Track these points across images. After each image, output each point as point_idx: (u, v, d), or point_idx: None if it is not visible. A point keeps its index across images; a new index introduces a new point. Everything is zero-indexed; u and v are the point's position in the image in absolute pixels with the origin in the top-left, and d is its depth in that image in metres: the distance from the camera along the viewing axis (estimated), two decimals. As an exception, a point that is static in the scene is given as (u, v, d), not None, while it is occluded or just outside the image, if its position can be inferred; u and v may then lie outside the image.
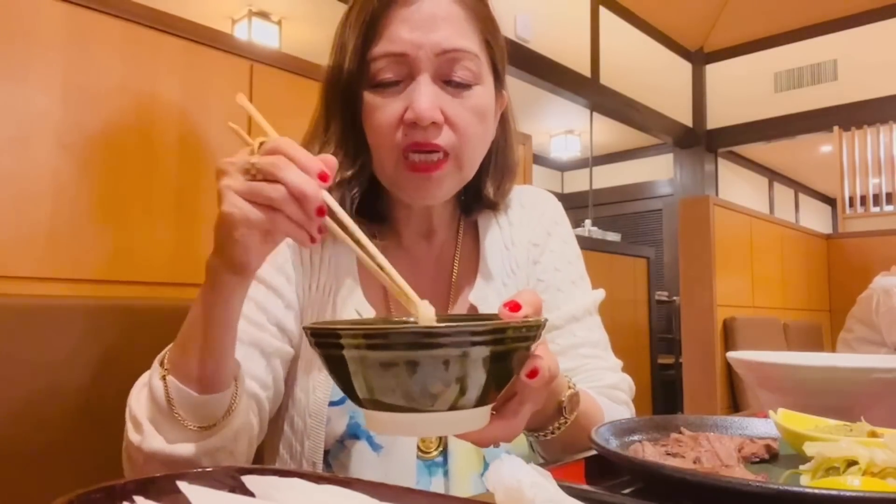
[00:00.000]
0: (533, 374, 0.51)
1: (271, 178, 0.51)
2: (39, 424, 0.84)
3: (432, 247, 0.85)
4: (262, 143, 0.54)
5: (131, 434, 0.62)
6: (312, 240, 0.53)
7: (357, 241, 0.53)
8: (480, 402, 0.47)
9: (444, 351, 0.43)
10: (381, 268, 0.53)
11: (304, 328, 0.49)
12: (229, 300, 0.58)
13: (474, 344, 0.43)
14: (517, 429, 0.54)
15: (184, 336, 0.61)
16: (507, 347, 0.45)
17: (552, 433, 0.66)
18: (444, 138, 0.72)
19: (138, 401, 0.63)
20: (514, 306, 0.50)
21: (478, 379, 0.45)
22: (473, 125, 0.74)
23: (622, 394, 0.84)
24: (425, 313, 0.51)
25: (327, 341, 0.46)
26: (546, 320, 0.51)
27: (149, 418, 0.61)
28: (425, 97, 0.70)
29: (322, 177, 0.52)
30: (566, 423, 0.66)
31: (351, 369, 0.45)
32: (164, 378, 0.60)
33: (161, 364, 0.62)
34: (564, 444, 0.70)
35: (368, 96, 0.73)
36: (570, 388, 0.66)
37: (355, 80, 0.74)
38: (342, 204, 0.74)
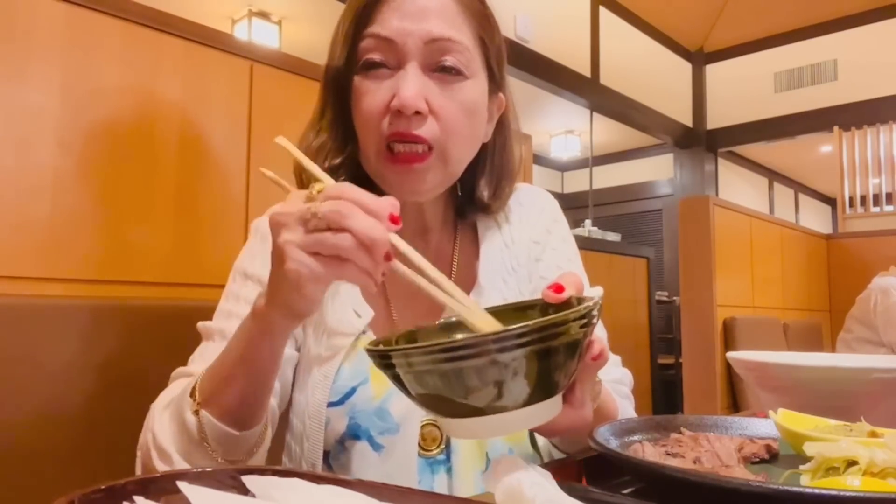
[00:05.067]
0: (598, 356, 0.52)
1: (336, 227, 0.48)
2: (39, 424, 0.84)
3: (428, 246, 0.84)
4: (319, 191, 0.51)
5: (157, 463, 0.61)
6: (376, 284, 0.51)
7: (424, 274, 0.52)
8: (553, 391, 0.47)
9: (512, 353, 0.43)
10: (450, 294, 0.52)
11: (366, 350, 0.48)
12: (278, 340, 0.58)
13: (535, 342, 0.43)
14: (589, 415, 0.56)
15: (223, 372, 0.60)
16: (572, 337, 0.45)
17: None
18: (428, 130, 0.71)
19: (162, 427, 0.62)
20: (558, 288, 0.51)
21: (549, 372, 0.45)
22: (459, 119, 0.73)
23: (624, 388, 0.85)
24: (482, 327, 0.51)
25: (387, 362, 0.45)
26: (600, 301, 0.50)
27: (179, 451, 0.60)
28: (411, 86, 0.69)
29: (393, 219, 0.50)
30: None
31: (428, 385, 0.45)
32: (196, 413, 0.59)
33: (192, 396, 0.60)
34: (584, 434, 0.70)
35: (358, 81, 0.74)
36: None
37: (346, 65, 0.75)
38: None
